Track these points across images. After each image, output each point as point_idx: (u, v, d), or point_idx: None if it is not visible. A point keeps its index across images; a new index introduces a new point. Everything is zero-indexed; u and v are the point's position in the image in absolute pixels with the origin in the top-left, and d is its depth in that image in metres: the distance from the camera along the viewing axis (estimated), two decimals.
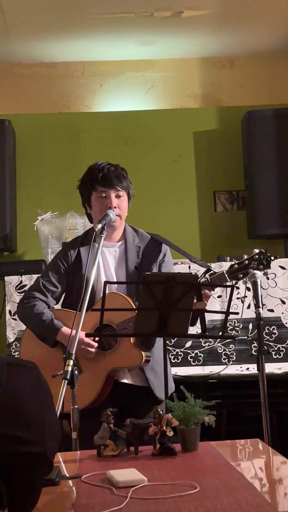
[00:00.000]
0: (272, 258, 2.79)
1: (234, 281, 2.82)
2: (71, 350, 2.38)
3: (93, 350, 2.75)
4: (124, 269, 2.89)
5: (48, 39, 4.70)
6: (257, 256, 2.78)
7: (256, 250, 2.80)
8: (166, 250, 2.99)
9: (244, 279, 2.96)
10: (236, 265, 2.81)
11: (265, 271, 2.83)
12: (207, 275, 2.76)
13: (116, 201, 2.88)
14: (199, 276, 2.72)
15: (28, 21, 4.41)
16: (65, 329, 2.78)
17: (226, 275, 2.79)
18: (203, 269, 2.87)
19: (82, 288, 2.67)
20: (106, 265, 2.91)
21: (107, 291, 2.57)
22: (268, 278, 3.95)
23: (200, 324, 2.62)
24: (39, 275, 3.03)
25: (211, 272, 2.79)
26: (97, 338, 2.76)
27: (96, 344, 2.76)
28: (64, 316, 2.84)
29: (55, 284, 2.91)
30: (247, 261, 2.80)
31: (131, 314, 2.70)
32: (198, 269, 3.75)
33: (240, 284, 3.83)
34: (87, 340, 2.74)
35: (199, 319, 2.62)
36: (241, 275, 2.80)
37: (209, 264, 3.17)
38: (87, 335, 2.70)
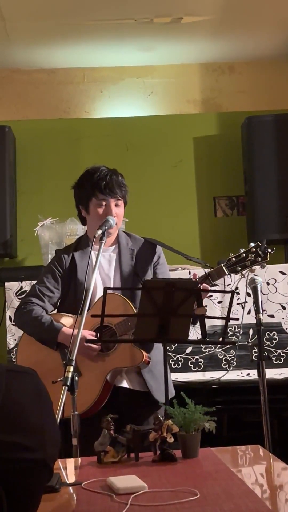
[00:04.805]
0: (269, 250, 2.78)
1: (232, 274, 2.81)
2: (72, 356, 2.38)
3: (97, 347, 2.74)
4: (118, 272, 2.90)
5: (48, 45, 4.71)
6: (254, 249, 2.78)
7: (252, 244, 2.80)
8: (160, 252, 3.00)
9: (243, 274, 2.95)
10: (234, 258, 2.79)
11: (263, 263, 2.80)
12: (205, 271, 2.76)
13: (115, 209, 2.90)
14: (198, 282, 2.72)
15: (28, 27, 4.42)
16: (66, 329, 2.78)
17: (224, 268, 2.78)
18: (200, 267, 2.86)
19: (77, 293, 2.68)
20: (101, 269, 2.92)
21: (101, 293, 2.57)
22: (268, 284, 3.95)
23: (200, 330, 2.63)
24: (35, 282, 3.03)
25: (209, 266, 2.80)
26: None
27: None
28: (62, 319, 2.84)
29: (51, 289, 2.91)
30: (244, 254, 2.79)
31: (130, 312, 2.70)
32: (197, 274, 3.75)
33: (241, 289, 3.83)
34: (90, 338, 2.74)
35: (199, 324, 2.62)
36: (239, 268, 2.79)
37: (207, 264, 3.16)
38: (87, 341, 2.69)
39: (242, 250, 2.81)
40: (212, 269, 2.80)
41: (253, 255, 2.77)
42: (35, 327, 2.86)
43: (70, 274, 2.91)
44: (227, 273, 2.78)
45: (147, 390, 2.80)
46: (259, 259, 2.77)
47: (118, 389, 2.81)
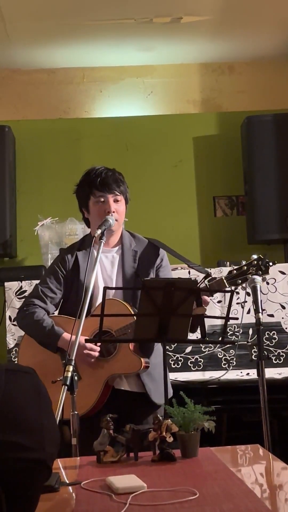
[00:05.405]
0: (271, 263, 2.79)
1: (233, 287, 2.82)
2: (71, 356, 2.38)
3: (96, 354, 2.75)
4: (121, 274, 2.90)
5: (48, 45, 4.72)
6: (255, 262, 2.79)
7: (255, 256, 2.81)
8: (163, 255, 2.99)
9: (243, 285, 2.96)
10: (235, 271, 2.81)
11: (263, 276, 2.82)
12: (205, 281, 2.76)
13: (114, 205, 2.89)
14: (198, 281, 2.72)
15: (28, 28, 4.42)
16: (66, 335, 2.78)
17: (225, 281, 2.79)
18: (202, 275, 2.87)
19: (79, 294, 2.67)
20: (103, 270, 2.92)
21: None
22: (268, 283, 3.94)
23: (200, 330, 2.63)
24: (38, 282, 3.03)
25: (210, 278, 2.79)
26: (99, 343, 2.76)
27: (98, 349, 2.76)
28: (64, 323, 2.84)
29: (53, 290, 2.91)
30: (245, 267, 2.80)
31: (130, 320, 2.70)
32: (197, 274, 3.75)
33: (240, 289, 3.83)
34: (90, 344, 2.74)
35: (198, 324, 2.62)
36: (240, 281, 2.80)
37: (208, 270, 3.17)
38: (86, 341, 2.70)
39: (244, 262, 2.82)
40: (213, 281, 2.80)
41: (254, 268, 2.78)
42: (36, 331, 2.86)
43: (72, 275, 2.91)
44: (227, 286, 2.79)
45: (145, 391, 2.80)
46: (260, 272, 2.78)
47: (117, 390, 2.81)
